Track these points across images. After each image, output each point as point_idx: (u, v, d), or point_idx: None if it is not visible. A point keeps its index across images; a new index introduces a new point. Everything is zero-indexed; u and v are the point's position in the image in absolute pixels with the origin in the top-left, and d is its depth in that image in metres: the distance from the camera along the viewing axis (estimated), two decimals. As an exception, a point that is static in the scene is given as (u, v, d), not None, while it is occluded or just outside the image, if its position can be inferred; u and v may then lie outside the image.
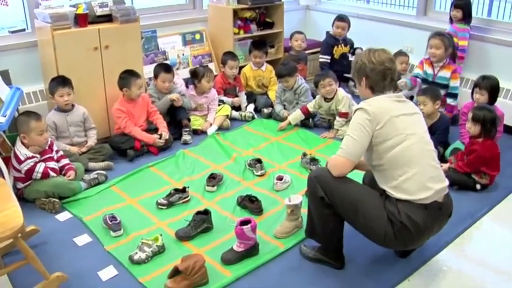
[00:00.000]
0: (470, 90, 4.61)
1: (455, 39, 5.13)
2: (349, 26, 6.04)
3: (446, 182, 2.88)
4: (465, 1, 5.16)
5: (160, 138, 4.59)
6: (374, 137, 2.76)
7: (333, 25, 6.06)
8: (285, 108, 5.32)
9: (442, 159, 4.29)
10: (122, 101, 4.59)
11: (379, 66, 2.84)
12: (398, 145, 2.74)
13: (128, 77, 4.53)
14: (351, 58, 5.98)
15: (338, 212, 2.88)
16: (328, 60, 6.06)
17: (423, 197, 2.71)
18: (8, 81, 4.28)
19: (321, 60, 6.10)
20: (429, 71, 4.92)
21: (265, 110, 5.42)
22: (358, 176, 3.08)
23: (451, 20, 5.25)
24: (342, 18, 6.03)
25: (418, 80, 5.05)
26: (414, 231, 2.72)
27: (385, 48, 2.98)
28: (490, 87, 4.35)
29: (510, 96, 4.91)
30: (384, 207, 2.76)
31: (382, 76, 2.85)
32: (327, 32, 6.12)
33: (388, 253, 3.17)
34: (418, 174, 2.73)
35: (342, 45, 6.07)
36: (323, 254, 3.09)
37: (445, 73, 4.87)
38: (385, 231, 2.74)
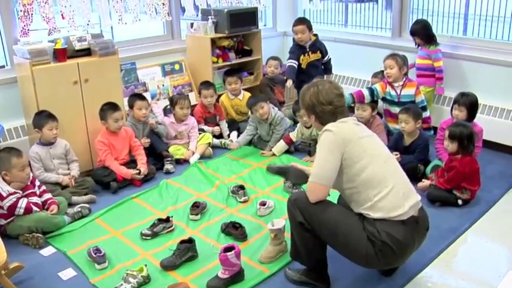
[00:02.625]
0: (447, 108, 4.67)
1: (429, 62, 5.24)
2: (309, 28, 5.59)
3: (419, 197, 2.90)
4: (421, 25, 5.28)
5: (139, 174, 4.58)
6: (344, 159, 2.78)
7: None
8: (261, 139, 5.34)
9: (423, 176, 4.34)
10: (104, 133, 4.61)
11: (328, 106, 2.89)
12: (369, 165, 2.77)
13: (106, 109, 4.57)
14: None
15: (318, 236, 2.89)
16: (294, 64, 5.59)
17: (400, 213, 2.74)
18: (-12, 119, 4.30)
19: (287, 63, 5.69)
20: (392, 92, 4.93)
21: (227, 141, 5.42)
22: (334, 195, 3.11)
23: (418, 45, 5.35)
24: (297, 22, 5.65)
25: (366, 93, 4.90)
26: (396, 249, 2.73)
27: (333, 82, 3.04)
28: (469, 103, 4.40)
29: (487, 112, 4.99)
30: (363, 229, 2.77)
31: (332, 115, 2.90)
32: (293, 39, 5.76)
33: (373, 273, 3.18)
34: (392, 191, 2.76)
35: (310, 52, 5.65)
36: (308, 276, 3.10)
37: (408, 91, 4.87)
38: (366, 251, 2.74)
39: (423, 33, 5.25)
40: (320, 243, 2.95)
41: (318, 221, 2.83)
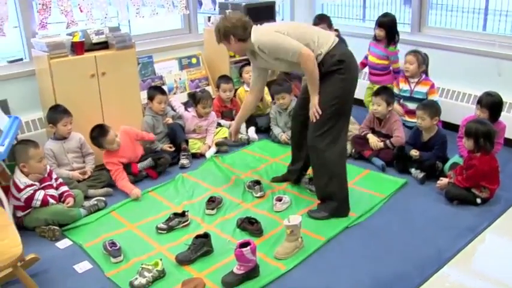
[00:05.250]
0: (470, 105, 4.62)
1: (386, 62, 5.31)
2: (329, 25, 5.53)
3: None
4: (388, 19, 5.24)
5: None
6: None
7: None
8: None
9: (441, 174, 4.28)
10: (107, 154, 4.47)
11: (237, 22, 3.66)
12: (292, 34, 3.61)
13: (96, 138, 4.42)
14: None
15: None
16: None
17: (331, 41, 3.65)
18: (6, 111, 4.32)
19: None
20: (406, 87, 5.09)
21: (244, 136, 5.35)
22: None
23: (375, 38, 5.34)
24: (316, 19, 5.60)
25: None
26: (347, 60, 3.64)
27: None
28: (491, 104, 4.31)
29: (507, 109, 4.90)
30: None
31: (244, 28, 3.66)
32: None
33: (389, 275, 3.16)
34: (319, 35, 3.65)
35: None
36: (328, 210, 3.75)
37: (422, 88, 5.00)
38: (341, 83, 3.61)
39: (389, 28, 5.22)
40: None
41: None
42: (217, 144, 4.63)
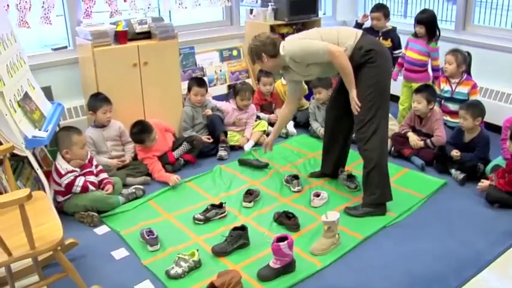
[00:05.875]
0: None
1: (425, 58, 5.20)
2: (385, 16, 5.38)
3: None
4: (428, 15, 5.13)
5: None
6: None
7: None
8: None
9: (482, 176, 4.20)
10: (142, 150, 4.53)
11: (267, 40, 3.78)
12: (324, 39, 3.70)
13: (139, 134, 4.46)
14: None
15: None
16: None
17: (354, 35, 3.70)
18: (49, 97, 4.38)
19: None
20: (447, 87, 4.99)
21: (283, 130, 5.29)
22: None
23: (415, 35, 5.23)
24: (374, 8, 5.45)
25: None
26: (377, 47, 3.68)
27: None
28: None
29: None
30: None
31: (274, 45, 3.77)
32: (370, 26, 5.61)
33: (426, 276, 3.11)
34: (341, 33, 3.72)
35: (381, 38, 5.39)
36: (369, 206, 3.76)
37: (463, 88, 4.91)
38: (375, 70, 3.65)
39: (430, 24, 5.10)
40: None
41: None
42: (240, 163, 4.65)
